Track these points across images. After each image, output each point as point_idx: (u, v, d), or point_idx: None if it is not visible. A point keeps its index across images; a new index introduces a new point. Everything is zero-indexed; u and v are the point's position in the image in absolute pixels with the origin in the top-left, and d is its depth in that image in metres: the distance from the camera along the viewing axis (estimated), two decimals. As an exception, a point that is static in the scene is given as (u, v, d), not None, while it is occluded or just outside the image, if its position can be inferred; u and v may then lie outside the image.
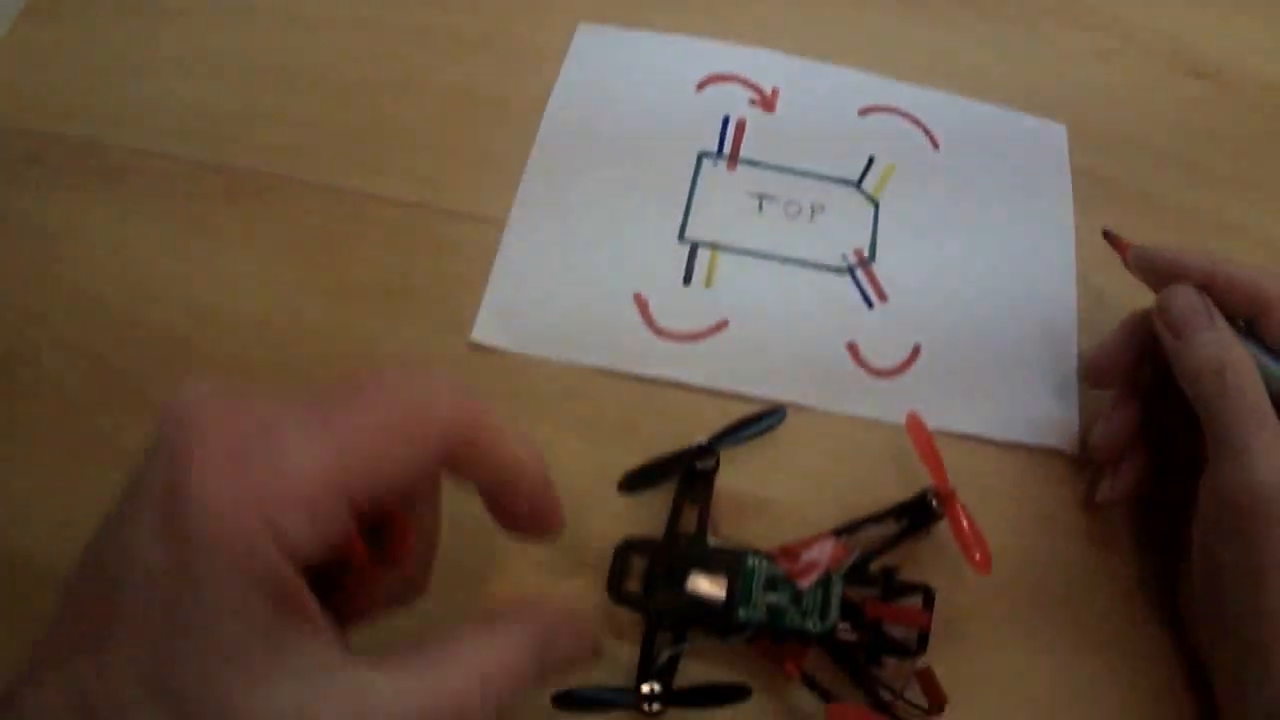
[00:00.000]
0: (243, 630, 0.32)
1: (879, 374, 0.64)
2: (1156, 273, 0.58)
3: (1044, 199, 0.71)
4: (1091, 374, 0.62)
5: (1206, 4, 0.82)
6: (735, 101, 0.73)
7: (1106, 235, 0.61)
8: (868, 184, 0.71)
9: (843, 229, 0.69)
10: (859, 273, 0.67)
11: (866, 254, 0.68)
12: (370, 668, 0.35)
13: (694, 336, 0.64)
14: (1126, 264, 0.60)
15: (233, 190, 0.68)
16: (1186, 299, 0.55)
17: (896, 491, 0.57)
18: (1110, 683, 0.56)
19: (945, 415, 0.62)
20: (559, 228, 0.67)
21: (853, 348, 0.65)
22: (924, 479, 0.56)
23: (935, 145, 0.73)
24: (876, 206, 0.70)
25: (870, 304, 0.66)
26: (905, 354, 0.65)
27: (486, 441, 0.39)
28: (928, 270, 0.68)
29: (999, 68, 0.77)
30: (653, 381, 0.63)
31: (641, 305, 0.65)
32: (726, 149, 0.71)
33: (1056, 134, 0.74)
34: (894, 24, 0.78)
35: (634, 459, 0.57)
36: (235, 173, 0.69)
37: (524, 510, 0.43)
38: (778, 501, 0.59)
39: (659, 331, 0.64)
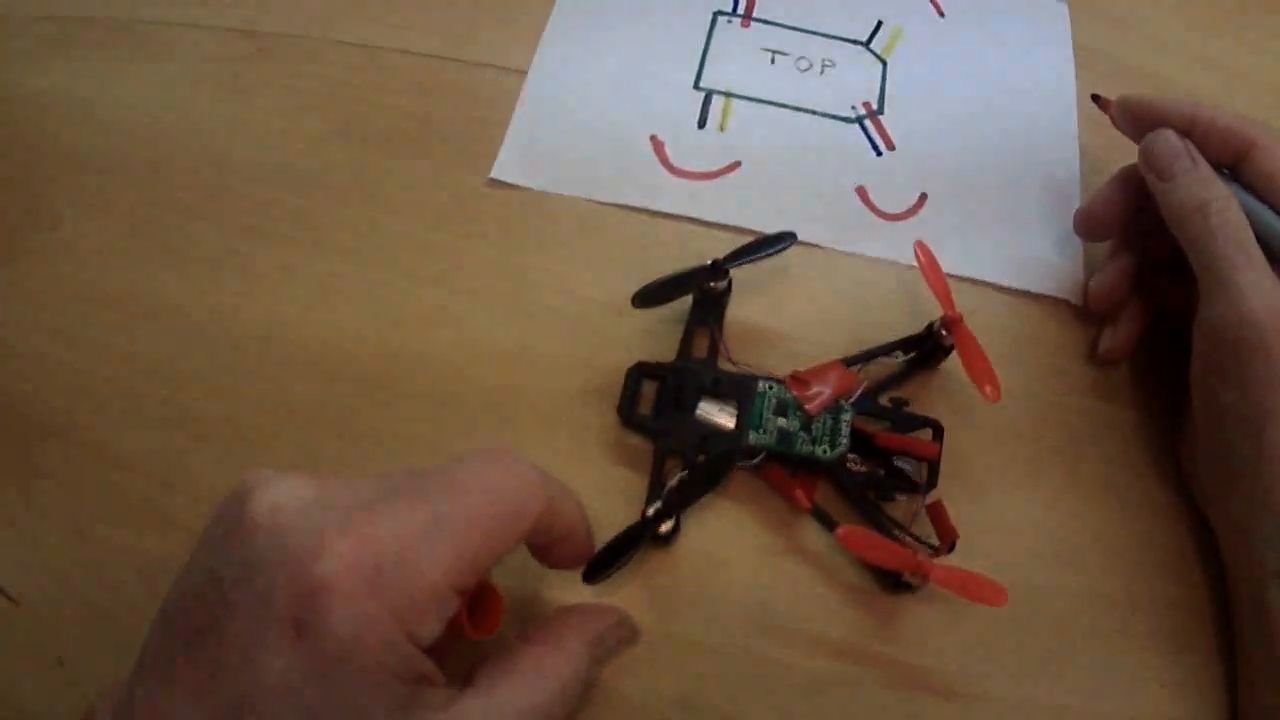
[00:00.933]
0: (382, 712, 0.35)
1: (887, 217, 0.63)
2: (1140, 121, 0.57)
3: (1046, 70, 0.70)
4: (1082, 224, 0.61)
5: None
6: (751, -39, 0.72)
7: (1094, 98, 0.60)
8: (876, 44, 0.70)
9: (852, 83, 0.68)
10: (867, 123, 0.66)
11: (875, 106, 0.67)
12: (469, 696, 0.39)
13: (707, 175, 0.64)
14: (1114, 122, 0.59)
15: (261, 51, 0.68)
16: (1168, 142, 0.54)
17: (905, 327, 0.57)
18: (1113, 529, 0.55)
19: (951, 259, 0.61)
20: (579, 74, 0.67)
21: (861, 191, 0.64)
22: (932, 316, 0.55)
23: (941, 13, 0.72)
24: (884, 65, 0.69)
25: (879, 152, 0.65)
26: (913, 200, 0.64)
27: (556, 521, 0.42)
28: (934, 124, 0.67)
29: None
30: (667, 217, 0.62)
31: (657, 146, 0.64)
32: (741, 7, 0.70)
33: (1059, 11, 0.73)
34: None
35: (647, 287, 0.56)
36: (262, 36, 0.68)
37: (566, 559, 0.45)
38: (788, 332, 0.58)
39: (673, 170, 0.64)
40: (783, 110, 0.66)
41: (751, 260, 0.56)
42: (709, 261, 0.55)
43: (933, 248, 0.57)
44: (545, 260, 0.60)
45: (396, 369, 0.57)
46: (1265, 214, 0.51)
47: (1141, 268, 0.59)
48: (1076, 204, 0.64)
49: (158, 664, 0.37)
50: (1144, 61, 0.72)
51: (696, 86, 0.67)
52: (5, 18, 0.70)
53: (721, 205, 0.62)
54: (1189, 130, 0.54)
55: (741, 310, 0.58)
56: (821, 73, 0.68)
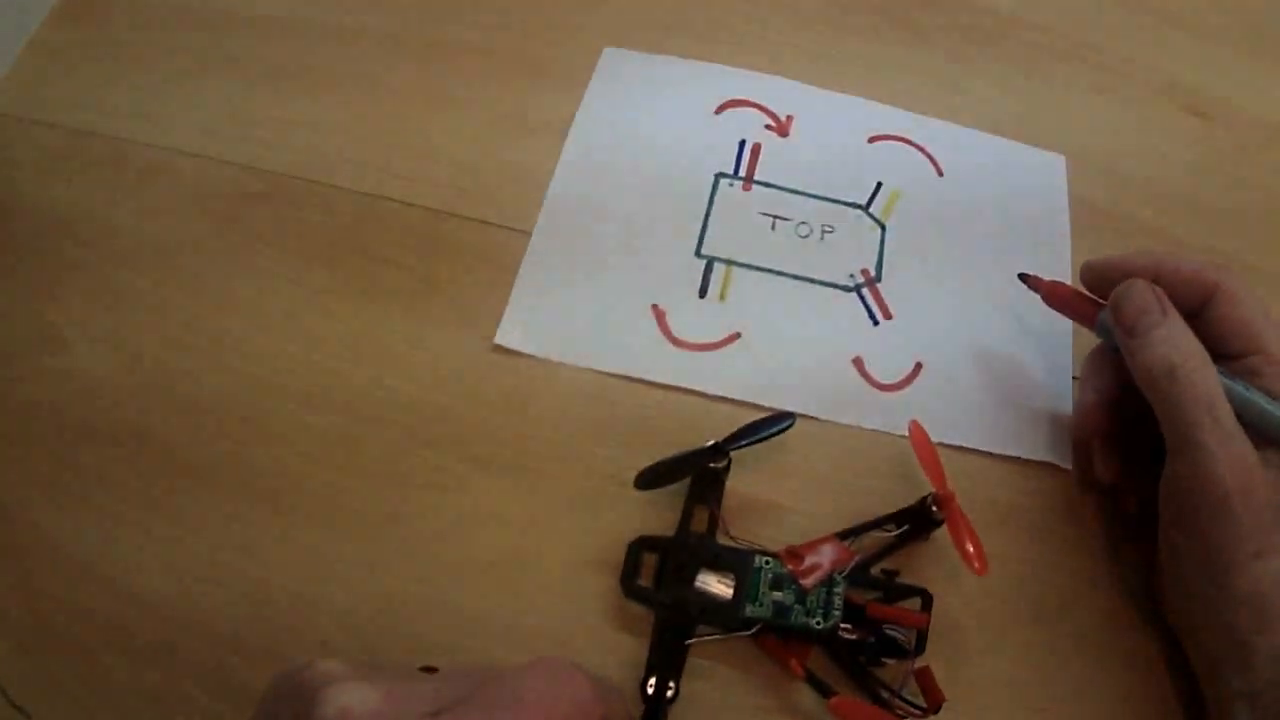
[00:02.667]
0: None
1: (882, 388, 0.63)
2: (1108, 280, 0.57)
3: (1043, 227, 0.71)
4: (1077, 435, 0.61)
5: (1205, 44, 0.81)
6: (752, 126, 0.73)
7: (1022, 277, 0.62)
8: (875, 208, 0.70)
9: (851, 249, 0.68)
10: (865, 291, 0.67)
11: (873, 273, 0.67)
12: None
13: (708, 347, 0.64)
14: (1047, 301, 0.60)
15: (266, 193, 0.68)
16: (1139, 295, 0.54)
17: (898, 499, 0.57)
18: (1100, 684, 0.55)
19: (944, 429, 0.61)
20: (582, 239, 0.67)
21: (858, 362, 0.64)
22: (924, 488, 0.56)
23: (940, 173, 0.72)
24: (883, 229, 0.69)
25: (875, 321, 0.66)
26: (908, 369, 0.64)
27: None
28: (931, 290, 0.67)
29: (1002, 101, 0.76)
30: (668, 388, 0.62)
31: (659, 315, 0.64)
32: (743, 170, 0.71)
33: (1056, 165, 0.73)
34: (903, 56, 0.77)
35: (647, 461, 0.57)
36: (267, 175, 0.68)
37: None
38: (785, 505, 0.59)
39: (675, 341, 0.64)
40: (783, 279, 0.67)
41: (752, 443, 0.57)
42: (710, 443, 0.56)
43: (927, 417, 0.59)
44: (550, 430, 0.60)
45: (402, 533, 0.57)
46: (1239, 392, 0.52)
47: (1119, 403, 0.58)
48: (1070, 366, 0.65)
49: None
50: (1139, 212, 0.72)
51: (698, 254, 0.67)
52: (9, 117, 0.71)
53: (722, 378, 0.63)
54: (1155, 280, 0.55)
55: (740, 484, 0.59)
56: (821, 239, 0.68)
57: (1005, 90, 0.77)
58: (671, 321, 0.64)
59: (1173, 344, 0.51)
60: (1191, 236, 0.71)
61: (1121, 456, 0.58)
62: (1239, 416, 0.50)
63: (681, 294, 0.66)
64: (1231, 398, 0.51)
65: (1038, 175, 0.73)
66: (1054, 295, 0.60)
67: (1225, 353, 0.54)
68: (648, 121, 0.72)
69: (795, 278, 0.67)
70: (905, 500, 0.57)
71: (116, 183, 0.68)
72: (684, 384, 0.62)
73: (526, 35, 0.76)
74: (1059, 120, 0.76)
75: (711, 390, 0.62)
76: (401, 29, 0.76)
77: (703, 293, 0.66)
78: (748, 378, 0.63)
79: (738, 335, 0.64)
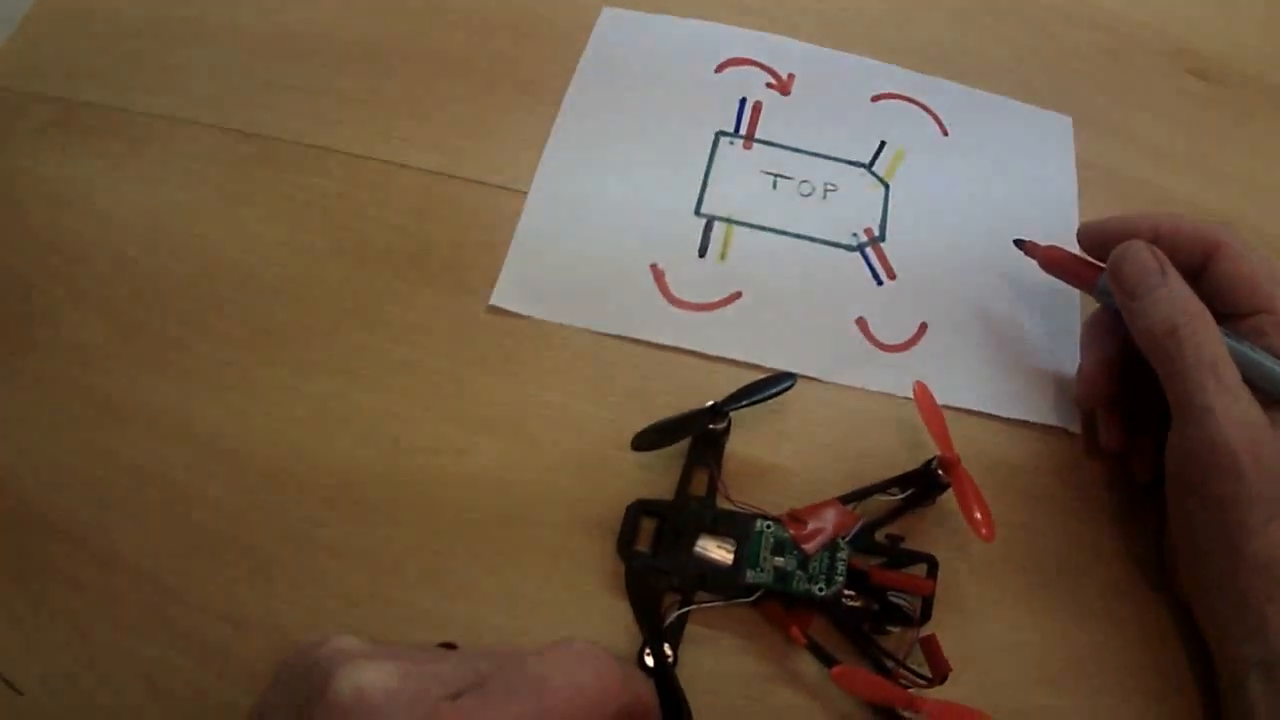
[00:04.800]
0: None
1: (887, 349, 0.60)
2: (1106, 243, 0.54)
3: (1049, 186, 0.67)
4: (1080, 401, 0.58)
5: (1210, 9, 0.78)
6: (752, 84, 0.69)
7: (1018, 243, 0.59)
8: (879, 167, 0.67)
9: (854, 208, 0.65)
10: (869, 250, 0.63)
11: (877, 233, 0.64)
12: None
13: (708, 307, 0.60)
14: (1044, 267, 0.58)
15: (261, 156, 0.65)
16: (1137, 256, 0.51)
17: (903, 462, 0.54)
18: (1108, 652, 0.52)
19: (950, 390, 0.58)
20: (579, 199, 0.64)
21: (861, 323, 0.61)
22: (930, 451, 0.53)
23: (944, 132, 0.69)
24: (887, 188, 0.66)
25: (880, 281, 0.62)
26: (912, 330, 0.61)
27: (634, 711, 0.40)
28: (936, 250, 0.64)
29: (1009, 60, 0.73)
30: (666, 349, 0.59)
31: (658, 275, 0.61)
32: (743, 129, 0.67)
33: (1062, 125, 0.70)
34: (907, 16, 0.74)
35: (646, 422, 0.54)
36: (263, 140, 0.65)
37: None
38: (787, 468, 0.56)
39: (674, 301, 0.60)
40: (784, 238, 0.63)
41: (752, 403, 0.54)
42: (709, 404, 0.53)
43: (932, 379, 0.56)
44: (546, 391, 0.57)
45: (396, 495, 0.54)
46: (1244, 353, 0.49)
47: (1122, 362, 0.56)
48: (1076, 329, 0.61)
49: None
50: (1145, 174, 0.69)
51: (698, 213, 0.64)
52: (6, 90, 0.67)
53: (722, 339, 0.59)
54: (1156, 241, 0.52)
55: (740, 446, 0.56)
56: (824, 198, 0.65)
57: (1011, 51, 0.73)
58: (671, 281, 0.61)
59: (1174, 304, 0.49)
60: (1198, 199, 0.68)
61: (1127, 423, 0.56)
62: (1245, 377, 0.48)
63: (681, 253, 0.62)
64: (1237, 358, 0.48)
65: (1044, 135, 0.70)
66: (1051, 261, 0.58)
67: (1230, 312, 0.51)
68: (646, 81, 0.69)
69: (797, 236, 0.64)
70: (910, 463, 0.54)
71: (111, 151, 0.65)
72: (684, 345, 0.59)
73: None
74: (1065, 80, 0.72)
75: (711, 351, 0.59)
76: None
77: (702, 252, 0.63)
78: (749, 338, 0.60)
79: (738, 295, 0.61)
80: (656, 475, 0.54)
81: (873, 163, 0.67)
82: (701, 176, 0.65)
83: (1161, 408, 0.50)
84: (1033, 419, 0.59)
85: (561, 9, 0.71)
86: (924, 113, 0.69)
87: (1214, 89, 0.73)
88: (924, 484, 0.52)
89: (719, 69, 0.70)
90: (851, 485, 0.54)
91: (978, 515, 0.50)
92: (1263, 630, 0.46)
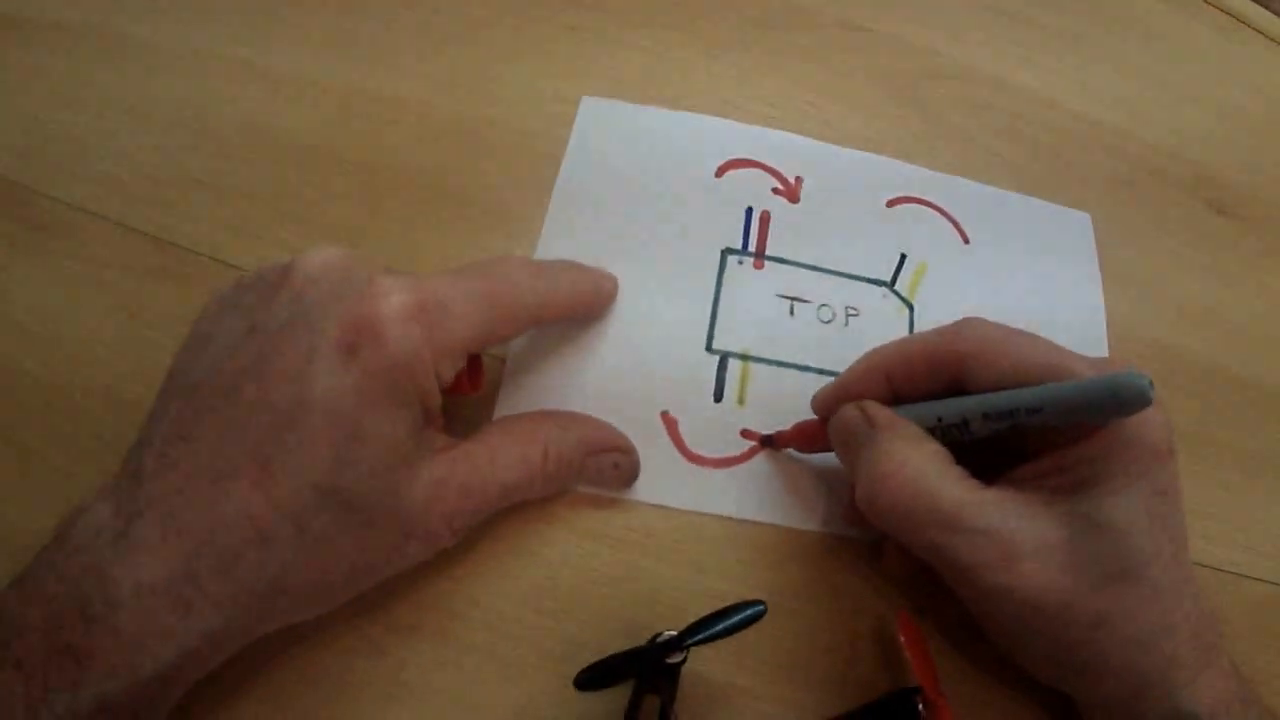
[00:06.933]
0: (406, 435, 0.39)
1: None
2: (837, 402, 0.48)
3: (1075, 288, 0.60)
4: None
5: (1230, 142, 0.70)
6: (757, 190, 0.59)
7: (766, 441, 0.52)
8: (901, 285, 0.58)
9: (879, 335, 0.56)
10: (895, 387, 0.54)
11: (904, 364, 0.55)
12: (472, 450, 0.43)
13: (728, 462, 0.51)
14: (800, 449, 0.51)
15: (167, 269, 0.54)
16: (841, 418, 0.47)
17: (879, 685, 0.47)
18: None
19: None
20: (573, 339, 0.53)
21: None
22: (909, 676, 0.45)
23: (966, 240, 0.60)
24: (911, 310, 0.57)
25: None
26: None
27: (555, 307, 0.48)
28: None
29: (1020, 159, 0.65)
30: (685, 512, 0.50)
31: (670, 425, 0.51)
32: (752, 244, 0.57)
33: (1081, 221, 0.62)
34: (919, 130, 0.65)
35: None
36: (168, 247, 0.54)
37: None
38: (748, 690, 0.47)
39: (690, 456, 0.51)
40: (808, 374, 0.54)
41: (715, 638, 0.43)
42: (666, 636, 0.43)
43: None
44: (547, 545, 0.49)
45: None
46: (1000, 400, 0.42)
47: None
48: None
49: (175, 430, 0.38)
50: (1164, 281, 0.62)
51: (710, 349, 0.54)
52: None
53: (746, 498, 0.51)
54: (893, 377, 0.46)
55: (695, 663, 0.45)
56: (846, 324, 0.56)
57: (1018, 173, 0.65)
58: (685, 431, 0.52)
59: (876, 460, 0.43)
60: (1197, 335, 0.61)
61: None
62: (1010, 423, 0.42)
63: (694, 398, 0.53)
64: (989, 410, 0.42)
65: (1064, 234, 0.62)
66: (803, 439, 0.50)
67: None
68: (639, 187, 0.58)
69: (820, 372, 0.54)
70: (888, 685, 0.47)
71: (9, 236, 0.55)
72: (700, 508, 0.50)
73: (486, 99, 0.61)
74: (1080, 180, 0.65)
75: (729, 513, 0.50)
76: (349, 82, 0.61)
77: (718, 396, 0.53)
78: (768, 496, 0.51)
79: (759, 447, 0.52)
80: (601, 700, 0.45)
81: (894, 280, 0.58)
82: (711, 304, 0.55)
83: None
84: None
85: (530, 112, 0.61)
86: (943, 218, 0.61)
87: (1232, 223, 0.66)
88: (902, 717, 0.44)
89: (719, 172, 0.59)
90: (821, 712, 0.46)
91: None
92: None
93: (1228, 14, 0.76)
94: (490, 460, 0.43)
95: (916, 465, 0.42)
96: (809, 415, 0.51)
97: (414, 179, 0.57)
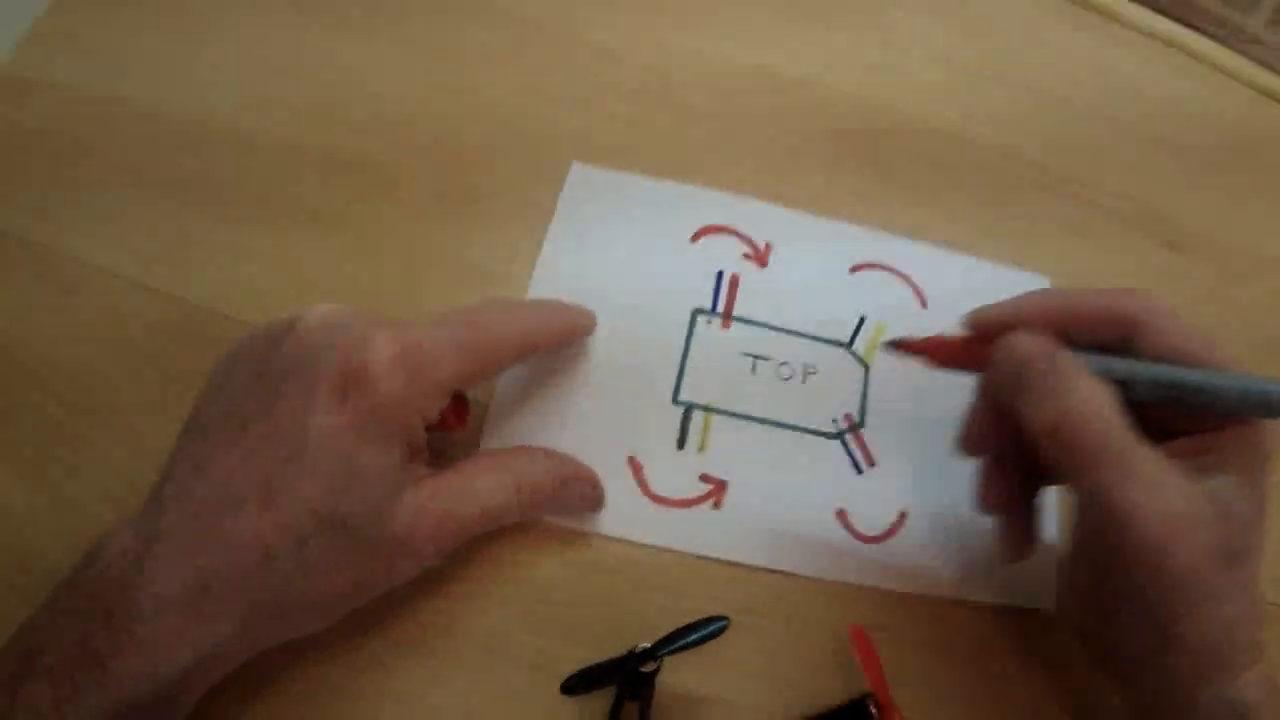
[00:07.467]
0: (393, 468, 0.44)
1: (866, 540, 0.56)
2: (999, 329, 0.48)
3: None
4: (965, 445, 0.52)
5: (1179, 177, 0.73)
6: (729, 255, 0.64)
7: (892, 345, 0.52)
8: (858, 345, 0.62)
9: (834, 392, 0.60)
10: (849, 437, 0.59)
11: (856, 418, 0.60)
12: (448, 473, 0.48)
13: (688, 503, 0.56)
14: (932, 364, 0.51)
15: (184, 327, 0.57)
16: (1017, 347, 0.46)
17: (845, 690, 0.51)
18: None
19: (927, 581, 0.56)
20: (552, 384, 0.58)
21: (841, 515, 0.57)
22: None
23: (924, 303, 0.64)
24: (866, 370, 0.61)
25: (859, 469, 0.58)
26: (892, 519, 0.57)
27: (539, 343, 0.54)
28: (915, 433, 0.59)
29: (978, 232, 0.68)
30: (647, 548, 0.55)
31: (636, 469, 0.56)
32: (721, 305, 0.62)
33: (1039, 284, 0.65)
34: (874, 190, 0.68)
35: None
36: (186, 305, 0.58)
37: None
38: (719, 698, 0.51)
39: (653, 498, 0.56)
40: (765, 426, 0.59)
41: (684, 648, 0.48)
42: (640, 649, 0.48)
43: (910, 569, 0.56)
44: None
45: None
46: (1178, 374, 0.44)
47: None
48: (1052, 503, 0.57)
49: (192, 465, 0.43)
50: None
51: (675, 400, 0.59)
52: None
53: (702, 537, 0.55)
54: (1063, 326, 0.47)
55: (671, 676, 0.50)
56: (804, 381, 0.60)
57: (979, 224, 0.68)
58: (649, 475, 0.56)
59: (1057, 393, 0.44)
60: None
61: (1015, 485, 0.51)
62: (1175, 395, 0.44)
63: (658, 445, 0.58)
64: (1160, 379, 0.44)
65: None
66: (937, 353, 0.51)
67: None
68: (621, 249, 0.63)
69: (777, 425, 0.59)
70: (848, 691, 0.50)
71: (25, 290, 0.58)
72: (662, 543, 0.55)
73: (468, 168, 0.65)
74: (1037, 252, 0.67)
75: (691, 550, 0.55)
76: (333, 143, 0.64)
77: (681, 443, 0.58)
78: (728, 536, 0.55)
79: (718, 490, 0.57)
80: (586, 708, 0.50)
81: (852, 341, 0.62)
82: (679, 360, 0.60)
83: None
84: (1008, 601, 0.55)
85: (520, 187, 0.65)
86: (902, 283, 0.65)
87: (1184, 260, 0.69)
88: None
89: (695, 237, 0.64)
90: (786, 716, 0.50)
91: None
92: (1193, 712, 0.43)
93: (1187, 54, 0.78)
94: (469, 488, 0.47)
95: (1102, 403, 0.43)
96: (767, 463, 0.57)
97: (416, 250, 0.62)
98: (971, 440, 0.52)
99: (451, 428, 0.51)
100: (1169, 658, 0.43)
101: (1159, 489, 0.41)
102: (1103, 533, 0.43)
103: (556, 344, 0.57)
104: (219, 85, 0.65)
